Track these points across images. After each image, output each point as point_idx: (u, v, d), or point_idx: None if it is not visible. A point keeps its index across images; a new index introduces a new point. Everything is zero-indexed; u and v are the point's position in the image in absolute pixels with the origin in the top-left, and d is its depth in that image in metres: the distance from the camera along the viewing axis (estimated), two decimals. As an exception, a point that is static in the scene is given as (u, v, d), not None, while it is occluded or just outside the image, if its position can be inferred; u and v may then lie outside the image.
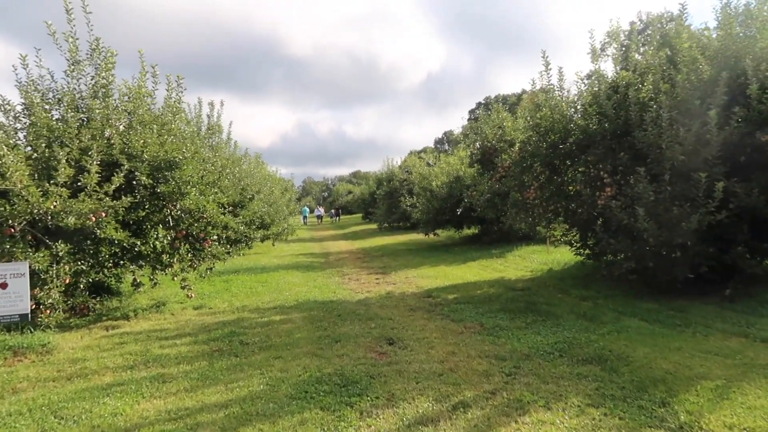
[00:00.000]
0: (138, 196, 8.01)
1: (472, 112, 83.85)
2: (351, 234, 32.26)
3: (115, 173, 7.17)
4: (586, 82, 10.41)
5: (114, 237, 7.18)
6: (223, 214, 9.33)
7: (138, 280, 9.71)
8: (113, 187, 7.15)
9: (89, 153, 7.04)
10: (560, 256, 14.16)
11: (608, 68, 10.47)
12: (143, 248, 7.90)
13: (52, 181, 6.73)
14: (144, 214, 7.92)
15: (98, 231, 7.15)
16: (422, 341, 6.48)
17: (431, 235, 21.22)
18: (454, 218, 19.84)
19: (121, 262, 8.77)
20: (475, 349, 6.04)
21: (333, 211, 59.41)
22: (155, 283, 9.60)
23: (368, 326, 7.43)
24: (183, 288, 8.92)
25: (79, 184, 7.09)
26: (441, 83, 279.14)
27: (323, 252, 20.80)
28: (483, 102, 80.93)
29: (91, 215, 7.02)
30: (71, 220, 6.64)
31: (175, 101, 9.24)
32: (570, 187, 10.71)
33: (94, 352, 6.37)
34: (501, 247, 17.57)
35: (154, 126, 8.97)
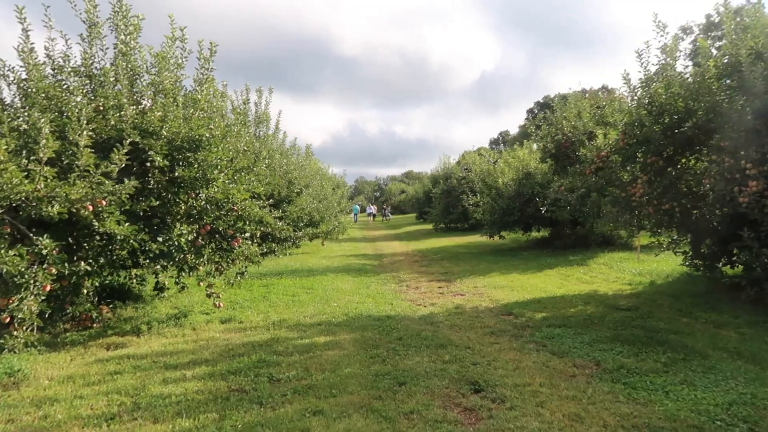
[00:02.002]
0: (151, 182, 6.41)
1: (530, 111, 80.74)
2: (405, 234, 30.40)
3: (115, 149, 5.54)
4: (716, 46, 8.23)
5: (115, 231, 5.56)
6: (260, 207, 7.65)
7: (162, 283, 8.20)
8: (114, 167, 5.53)
9: (79, 120, 5.44)
10: (657, 265, 11.88)
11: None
12: (155, 246, 6.28)
13: (32, 157, 5.17)
14: (157, 204, 6.30)
15: (96, 224, 5.55)
16: (523, 390, 4.54)
17: (496, 238, 19.10)
18: (523, 219, 17.67)
19: (140, 261, 7.26)
20: (609, 411, 4.05)
21: (386, 208, 57.67)
22: (182, 287, 8.03)
23: (440, 358, 5.55)
24: (209, 296, 7.29)
25: (73, 164, 5.51)
26: (493, 83, 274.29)
27: (376, 253, 19.03)
28: (542, 101, 77.79)
29: (88, 203, 5.42)
30: (55, 209, 5.05)
31: (203, 68, 7.60)
32: (689, 181, 8.51)
33: (73, 388, 4.75)
34: (578, 253, 15.31)
35: (179, 98, 7.40)
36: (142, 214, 6.24)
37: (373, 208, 61.15)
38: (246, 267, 7.45)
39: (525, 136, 48.29)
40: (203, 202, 6.82)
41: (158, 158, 6.32)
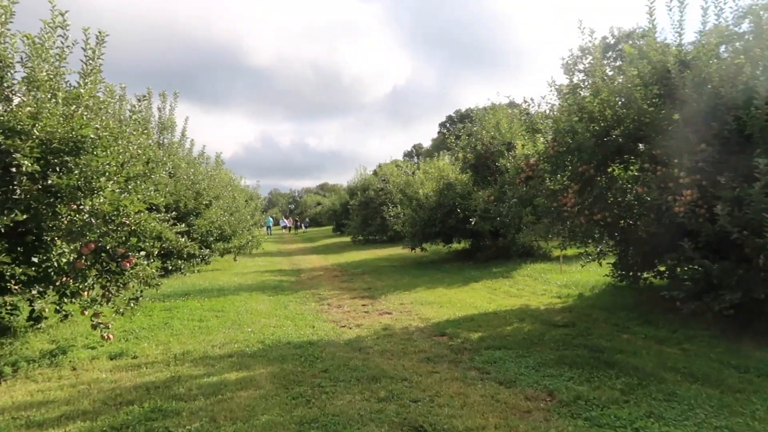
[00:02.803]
0: (17, 191, 5.21)
1: (442, 125, 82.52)
2: (322, 247, 29.40)
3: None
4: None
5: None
6: (160, 221, 6.55)
7: (39, 312, 6.87)
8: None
9: None
10: (581, 276, 11.77)
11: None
12: (20, 271, 5.08)
13: None
14: (25, 217, 5.10)
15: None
16: (477, 435, 3.84)
17: (417, 250, 18.61)
18: (444, 231, 17.30)
19: (8, 286, 5.95)
20: (582, 458, 3.42)
21: (306, 221, 57.03)
22: (65, 316, 6.73)
23: (375, 395, 4.76)
24: (94, 327, 6.10)
25: None
26: (406, 97, 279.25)
27: (293, 268, 17.96)
28: (453, 115, 79.77)
29: None
30: None
31: (89, 59, 6.42)
32: (619, 190, 8.31)
33: None
34: (501, 264, 15.08)
35: (59, 93, 6.21)
36: (3, 230, 5.00)
37: (287, 221, 59.95)
38: (141, 291, 6.31)
39: (438, 149, 48.84)
40: (86, 216, 5.66)
41: (26, 162, 5.14)
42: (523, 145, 15.84)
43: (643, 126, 7.78)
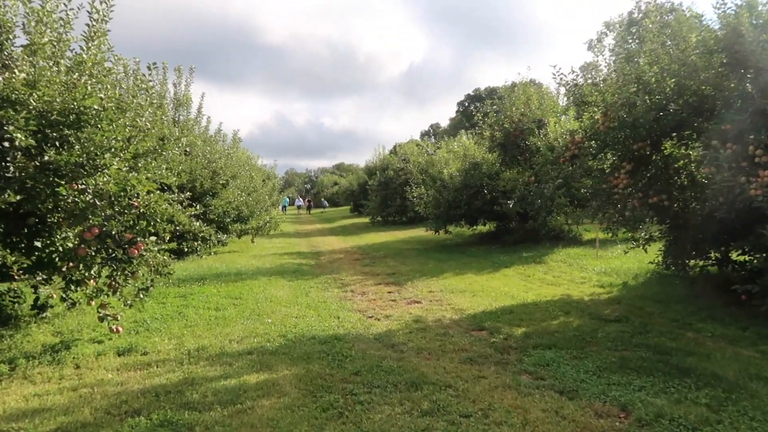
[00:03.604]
0: (11, 168, 4.59)
1: (461, 104, 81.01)
2: (340, 229, 28.80)
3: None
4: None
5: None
6: (171, 202, 5.91)
7: (45, 300, 6.35)
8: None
9: None
10: (620, 263, 11.01)
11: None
12: (12, 259, 4.48)
13: None
14: (19, 198, 4.48)
15: None
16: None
17: (441, 233, 17.87)
18: (470, 212, 16.54)
19: (10, 273, 5.38)
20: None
21: (323, 201, 56.65)
22: (72, 304, 6.13)
23: (417, 406, 4.11)
24: (101, 320, 5.51)
25: None
26: (422, 76, 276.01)
27: (312, 251, 17.36)
28: (472, 93, 78.25)
29: None
30: None
31: (93, 22, 5.73)
32: (682, 171, 7.52)
33: None
34: (530, 249, 14.30)
35: (62, 62, 5.57)
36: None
37: (302, 201, 59.71)
38: (152, 281, 5.70)
39: (456, 128, 47.64)
40: (90, 197, 5.03)
41: (20, 135, 4.50)
42: (555, 123, 15.08)
43: (707, 98, 6.96)
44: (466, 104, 76.63)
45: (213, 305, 8.04)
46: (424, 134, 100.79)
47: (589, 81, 8.25)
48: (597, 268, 10.92)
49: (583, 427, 3.74)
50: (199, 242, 13.20)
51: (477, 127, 18.18)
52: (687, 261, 8.65)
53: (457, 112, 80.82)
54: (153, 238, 5.35)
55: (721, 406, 4.02)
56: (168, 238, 5.54)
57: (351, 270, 12.42)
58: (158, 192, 5.60)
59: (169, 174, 6.02)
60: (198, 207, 6.10)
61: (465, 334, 6.39)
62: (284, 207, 49.98)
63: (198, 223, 5.76)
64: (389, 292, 9.43)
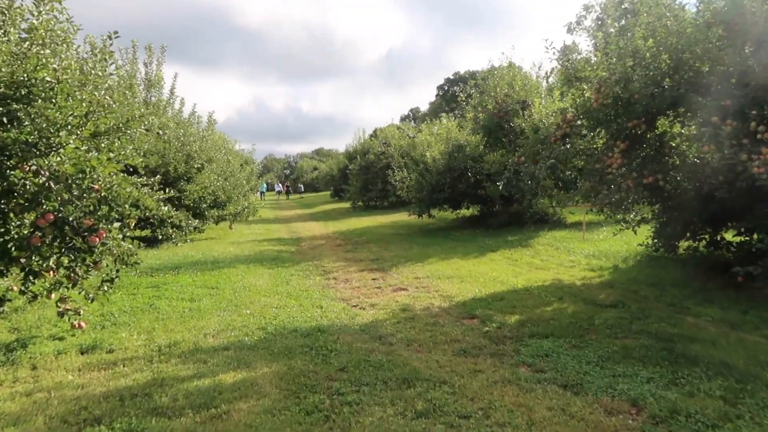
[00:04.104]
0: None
1: (440, 87, 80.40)
2: (321, 214, 28.29)
3: None
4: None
5: None
6: (138, 186, 5.41)
7: (2, 294, 5.82)
8: None
9: None
10: (608, 246, 10.78)
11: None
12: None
13: None
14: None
15: None
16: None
17: (424, 217, 17.51)
18: (453, 196, 16.19)
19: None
20: None
21: (299, 186, 55.82)
22: (33, 297, 5.61)
23: (411, 406, 3.74)
24: (61, 315, 5.04)
25: None
26: (401, 60, 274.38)
27: (293, 237, 16.89)
28: (452, 77, 77.70)
29: None
30: None
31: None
32: (676, 149, 7.23)
33: None
34: (515, 232, 14.05)
35: (12, 30, 5.02)
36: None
37: (280, 187, 59.13)
38: (117, 271, 5.21)
39: (436, 112, 47.17)
40: (44, 179, 4.52)
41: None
42: (539, 104, 14.73)
43: (703, 74, 6.65)
44: (446, 88, 76.10)
45: (187, 296, 7.58)
46: (404, 118, 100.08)
47: (581, 56, 7.89)
48: (585, 251, 10.66)
49: (594, 426, 3.41)
50: (174, 229, 12.64)
51: (459, 110, 17.78)
52: (677, 242, 8.43)
53: (437, 96, 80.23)
54: (117, 225, 4.87)
55: (737, 399, 3.72)
56: (134, 224, 5.05)
57: (333, 256, 12.01)
58: (122, 174, 5.10)
59: (135, 155, 5.51)
60: (169, 191, 5.59)
61: (456, 323, 6.04)
62: (262, 192, 49.31)
63: (167, 208, 5.27)
64: (373, 279, 9.05)
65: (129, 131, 5.32)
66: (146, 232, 13.68)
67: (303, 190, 55.45)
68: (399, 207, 24.52)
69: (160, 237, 13.20)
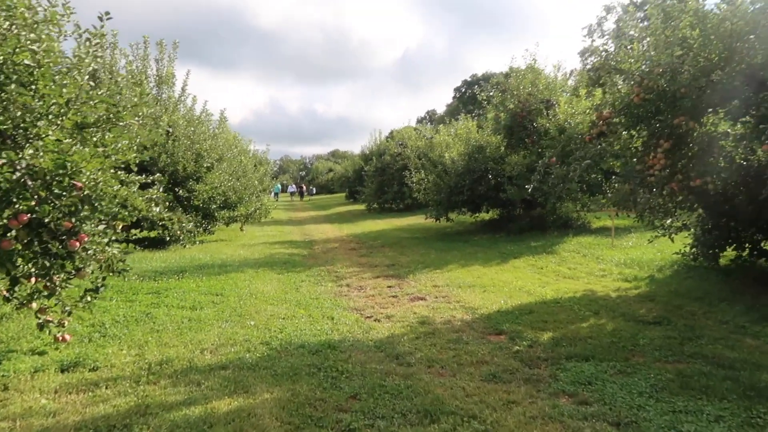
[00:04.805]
0: None
1: (457, 89, 79.68)
2: (336, 216, 27.75)
3: None
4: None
5: None
6: (128, 184, 4.86)
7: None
8: None
9: None
10: (638, 253, 10.09)
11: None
12: None
13: None
14: None
15: None
16: None
17: (442, 220, 16.84)
18: (473, 199, 15.53)
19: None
20: None
21: (311, 188, 55.14)
22: (21, 304, 5.09)
23: (435, 449, 3.13)
24: (41, 327, 4.49)
25: None
26: (416, 62, 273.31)
27: (305, 239, 16.33)
28: (469, 79, 76.91)
29: None
30: None
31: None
32: (721, 149, 6.51)
33: None
34: (538, 237, 13.35)
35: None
36: None
37: (294, 188, 58.89)
38: (103, 279, 4.66)
39: (453, 115, 46.45)
40: (19, 174, 3.98)
41: None
42: (566, 103, 14.04)
43: (757, 66, 5.96)
44: (463, 90, 75.43)
45: (189, 303, 7.03)
46: (420, 120, 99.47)
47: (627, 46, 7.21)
48: (615, 258, 9.95)
49: (663, 484, 2.76)
50: (182, 231, 12.14)
51: (478, 111, 17.12)
52: (719, 251, 7.73)
53: (453, 98, 79.52)
54: (102, 227, 4.32)
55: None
56: (121, 227, 4.50)
57: (347, 261, 11.42)
58: (111, 170, 4.55)
59: (127, 149, 4.95)
60: (157, 189, 5.01)
61: (481, 340, 5.41)
62: (276, 194, 48.96)
63: (158, 209, 4.71)
64: (389, 287, 8.45)
65: (120, 122, 4.76)
66: (154, 233, 13.22)
67: (314, 192, 54.86)
68: (415, 209, 23.91)
69: (167, 238, 12.72)
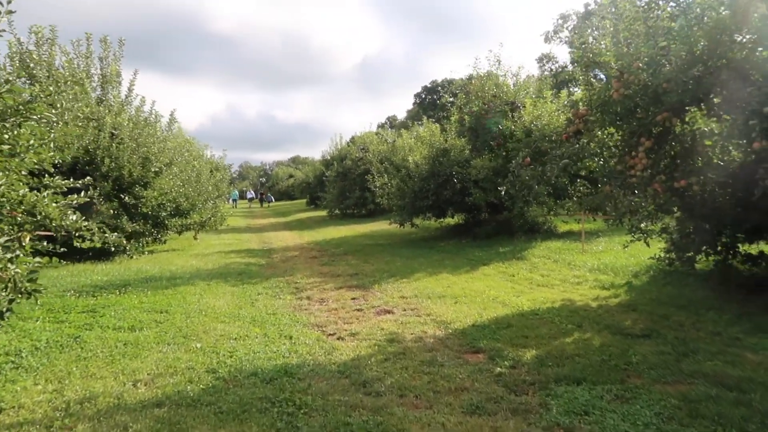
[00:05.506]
0: None
1: (417, 95, 79.67)
2: (296, 222, 26.89)
3: None
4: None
5: None
6: (40, 189, 4.09)
7: None
8: None
9: None
10: (610, 258, 9.74)
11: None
12: None
13: None
14: None
15: None
16: None
17: (406, 226, 16.28)
18: (438, 204, 15.03)
19: None
20: None
21: (269, 195, 53.57)
22: None
23: None
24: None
25: None
26: (376, 68, 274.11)
27: (264, 248, 15.51)
28: (429, 85, 77.00)
29: None
30: None
31: None
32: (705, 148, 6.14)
33: None
34: (506, 243, 12.92)
35: None
36: None
37: (253, 194, 57.61)
38: (10, 302, 3.86)
39: (414, 119, 46.15)
40: None
41: None
42: (532, 104, 13.69)
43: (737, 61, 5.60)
44: (423, 96, 75.38)
45: (128, 323, 6.23)
46: (381, 126, 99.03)
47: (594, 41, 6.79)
48: (588, 264, 9.57)
49: None
50: (129, 239, 11.19)
51: (444, 111, 16.68)
52: (697, 256, 7.39)
53: (414, 104, 79.41)
54: (3, 240, 3.55)
55: None
56: (26, 239, 3.74)
57: (307, 270, 10.71)
58: (21, 172, 3.78)
59: (46, 149, 4.18)
60: (85, 194, 4.27)
61: (458, 360, 4.83)
62: (234, 200, 47.67)
63: (74, 217, 3.95)
64: (353, 299, 7.81)
65: (33, 117, 3.99)
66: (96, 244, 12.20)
67: (272, 200, 53.10)
68: (378, 215, 23.34)
69: (112, 249, 11.73)
